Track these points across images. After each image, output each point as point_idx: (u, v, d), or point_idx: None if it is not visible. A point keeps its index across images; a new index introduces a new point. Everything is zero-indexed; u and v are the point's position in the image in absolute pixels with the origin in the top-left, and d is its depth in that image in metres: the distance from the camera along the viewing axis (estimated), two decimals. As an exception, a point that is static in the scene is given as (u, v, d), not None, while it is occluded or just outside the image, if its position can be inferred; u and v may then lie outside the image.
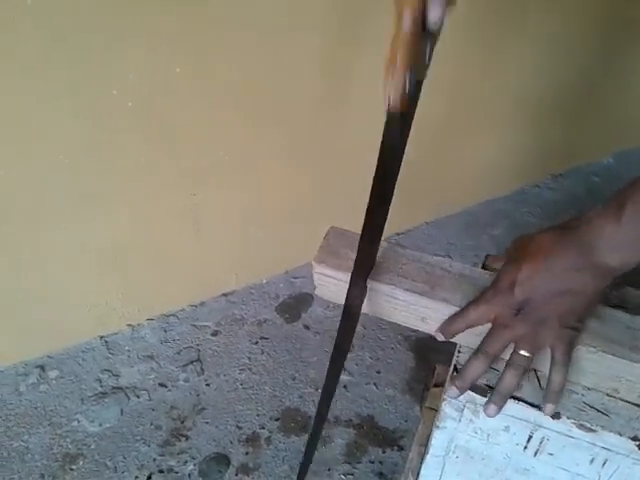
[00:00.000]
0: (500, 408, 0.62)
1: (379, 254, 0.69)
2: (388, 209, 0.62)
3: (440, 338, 0.65)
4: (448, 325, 0.64)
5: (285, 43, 1.31)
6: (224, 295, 1.71)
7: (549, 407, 0.61)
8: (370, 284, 0.67)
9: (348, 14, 1.34)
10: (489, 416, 0.63)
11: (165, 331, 1.61)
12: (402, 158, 0.58)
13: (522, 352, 0.61)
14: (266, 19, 1.25)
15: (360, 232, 0.65)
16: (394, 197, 0.64)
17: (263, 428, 1.40)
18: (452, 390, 0.64)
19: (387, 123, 0.53)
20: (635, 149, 2.25)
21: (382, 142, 0.55)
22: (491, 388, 0.65)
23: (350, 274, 0.67)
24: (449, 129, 1.74)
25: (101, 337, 1.58)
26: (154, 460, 1.33)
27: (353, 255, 0.68)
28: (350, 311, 0.70)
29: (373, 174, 0.58)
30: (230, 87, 1.31)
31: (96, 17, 1.08)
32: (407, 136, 0.56)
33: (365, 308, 0.71)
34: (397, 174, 0.59)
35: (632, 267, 0.57)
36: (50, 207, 1.28)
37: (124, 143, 1.27)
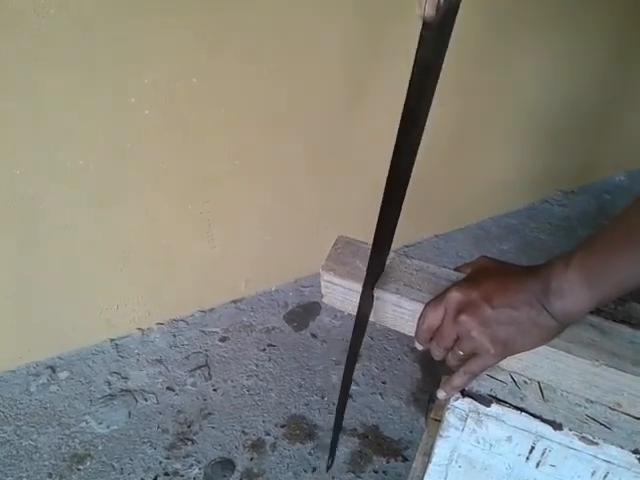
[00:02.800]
0: (448, 395, 0.67)
1: (386, 264, 0.70)
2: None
3: (419, 347, 0.68)
4: (417, 332, 0.65)
5: (303, 55, 1.33)
6: (233, 302, 1.73)
7: (441, 393, 0.67)
8: (377, 293, 0.68)
9: (368, 25, 1.36)
10: (437, 398, 0.68)
11: (174, 336, 1.62)
12: (435, 85, 0.51)
13: (458, 351, 0.63)
14: (285, 29, 1.27)
15: (370, 242, 0.66)
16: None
17: (268, 434, 1.41)
18: (439, 392, 0.67)
19: (421, 37, 0.46)
20: (648, 167, 2.25)
21: (414, 63, 0.47)
22: (495, 398, 0.66)
23: (357, 282, 0.68)
24: (461, 143, 1.75)
25: (111, 340, 1.60)
26: (160, 463, 1.34)
27: (361, 264, 0.70)
28: (359, 318, 0.71)
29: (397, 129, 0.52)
30: (246, 98, 1.33)
31: (116, 28, 1.11)
32: (442, 59, 0.49)
33: (371, 317, 0.72)
34: (426, 112, 0.53)
35: (575, 318, 0.58)
36: (68, 211, 1.31)
37: (140, 150, 1.29)
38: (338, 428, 0.96)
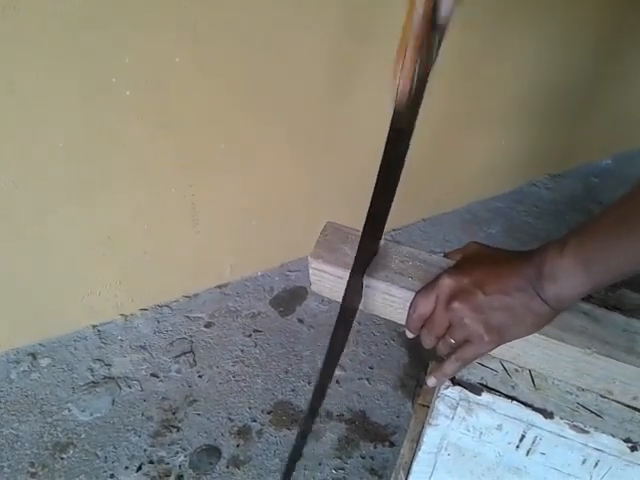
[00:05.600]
0: (438, 382, 0.66)
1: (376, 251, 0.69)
2: (392, 201, 0.62)
3: (410, 335, 0.66)
4: (408, 320, 0.64)
5: (290, 37, 1.30)
6: (218, 287, 1.70)
7: (431, 380, 0.65)
8: (366, 281, 0.66)
9: (356, 11, 1.33)
10: (427, 384, 0.66)
11: (158, 322, 1.60)
12: (407, 149, 0.57)
13: (449, 339, 0.62)
14: (273, 12, 1.24)
15: (357, 227, 0.64)
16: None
17: (255, 421, 1.39)
18: (429, 379, 0.66)
19: (395, 113, 0.52)
20: (634, 150, 2.25)
21: (390, 132, 0.54)
22: (486, 386, 0.65)
23: (346, 270, 0.66)
24: (448, 127, 1.73)
25: (94, 326, 1.57)
26: (145, 451, 1.33)
27: (349, 251, 0.68)
28: (347, 307, 0.69)
29: (378, 167, 0.57)
30: (231, 79, 1.30)
31: (95, 5, 1.07)
32: (413, 126, 0.55)
33: (361, 305, 0.70)
34: (402, 167, 0.58)
35: (568, 304, 0.57)
36: (48, 195, 1.27)
37: (122, 132, 1.26)
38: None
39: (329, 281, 0.70)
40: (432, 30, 0.50)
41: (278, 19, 1.26)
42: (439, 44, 0.53)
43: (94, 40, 1.11)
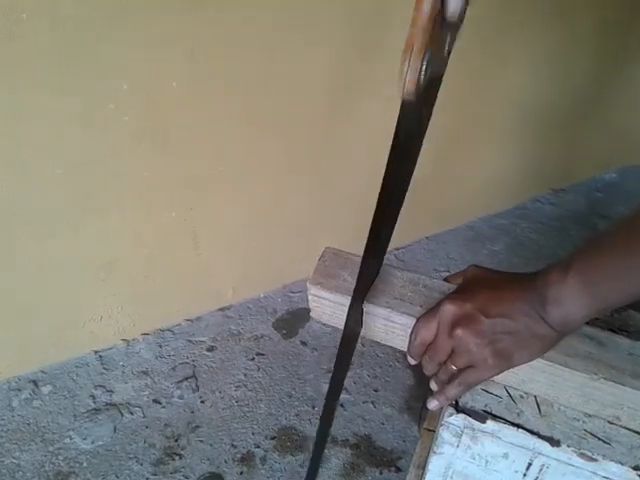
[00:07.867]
0: (440, 405, 0.65)
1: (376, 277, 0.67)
2: (395, 221, 0.60)
3: (412, 362, 0.65)
4: (410, 347, 0.63)
5: (289, 59, 1.30)
6: (221, 310, 1.69)
7: (433, 403, 0.65)
8: (366, 307, 0.65)
9: (356, 31, 1.33)
10: (428, 407, 0.66)
11: (160, 346, 1.59)
12: (418, 152, 0.54)
13: (451, 365, 0.61)
14: (271, 34, 1.24)
15: (358, 251, 0.63)
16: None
17: (258, 447, 1.37)
18: (431, 402, 0.65)
19: (402, 111, 0.48)
20: (639, 164, 2.23)
21: (396, 133, 0.49)
22: (490, 414, 0.63)
23: (345, 296, 0.65)
24: (451, 143, 1.73)
25: (95, 352, 1.56)
26: (147, 479, 1.30)
27: (349, 277, 0.67)
28: (348, 334, 0.68)
29: (381, 184, 0.53)
30: (229, 103, 1.30)
31: (93, 32, 1.07)
32: (425, 127, 0.52)
33: (361, 331, 0.69)
34: (407, 185, 0.56)
35: (573, 327, 0.56)
36: (48, 221, 1.27)
37: (121, 157, 1.26)
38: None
39: (329, 307, 0.68)
40: (442, 27, 0.46)
41: (276, 41, 1.26)
42: (451, 44, 0.50)
43: (91, 67, 1.11)
